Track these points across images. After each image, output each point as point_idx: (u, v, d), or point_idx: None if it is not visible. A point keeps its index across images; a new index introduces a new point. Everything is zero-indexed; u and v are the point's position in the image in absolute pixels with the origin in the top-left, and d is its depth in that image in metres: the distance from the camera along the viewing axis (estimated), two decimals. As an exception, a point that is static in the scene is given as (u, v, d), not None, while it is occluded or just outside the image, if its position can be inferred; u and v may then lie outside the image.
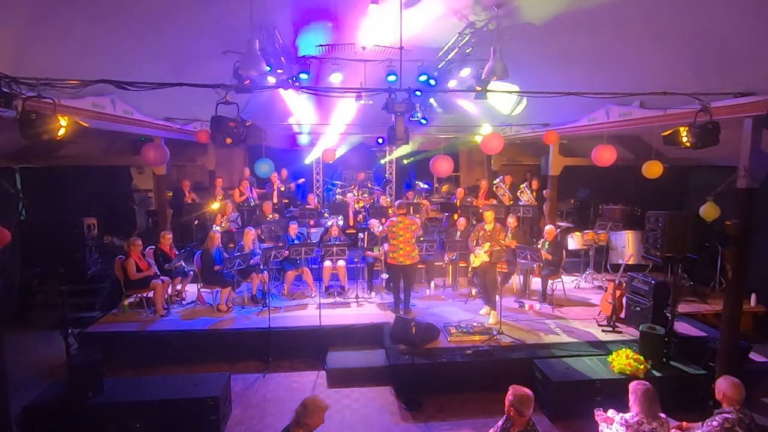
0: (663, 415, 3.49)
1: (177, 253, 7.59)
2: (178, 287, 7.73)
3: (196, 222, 10.09)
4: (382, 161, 13.77)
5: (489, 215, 7.08)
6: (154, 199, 10.53)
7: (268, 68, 6.21)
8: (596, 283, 8.87)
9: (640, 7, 4.75)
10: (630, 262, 7.53)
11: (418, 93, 7.40)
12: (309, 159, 12.94)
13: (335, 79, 7.79)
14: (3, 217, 6.95)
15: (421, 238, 7.51)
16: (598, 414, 3.72)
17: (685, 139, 4.81)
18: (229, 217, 9.53)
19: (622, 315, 6.90)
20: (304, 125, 11.44)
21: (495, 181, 11.30)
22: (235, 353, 6.49)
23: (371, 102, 8.95)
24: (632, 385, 3.59)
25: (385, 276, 8.45)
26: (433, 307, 7.63)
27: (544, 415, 5.34)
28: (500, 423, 3.35)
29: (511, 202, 10.72)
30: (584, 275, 9.12)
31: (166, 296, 7.30)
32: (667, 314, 5.96)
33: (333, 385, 5.99)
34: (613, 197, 10.71)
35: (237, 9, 5.54)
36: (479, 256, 7.00)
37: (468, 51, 6.54)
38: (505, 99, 9.26)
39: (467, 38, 6.19)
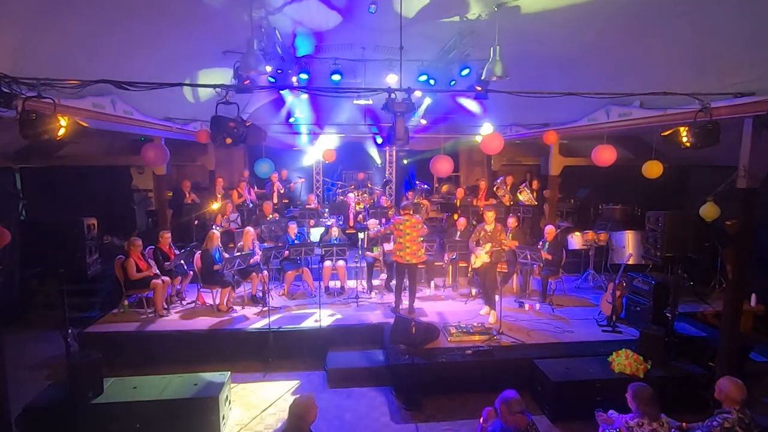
0: (663, 416, 3.49)
1: (176, 252, 7.59)
2: (179, 287, 7.73)
3: (196, 222, 10.09)
4: (379, 162, 13.78)
5: (490, 216, 7.07)
6: (154, 199, 10.53)
7: (268, 68, 6.21)
8: (596, 283, 8.88)
9: (640, 7, 4.76)
10: (630, 262, 7.52)
11: (417, 93, 7.40)
12: (308, 159, 12.94)
13: (335, 79, 7.79)
14: (3, 217, 6.98)
15: (421, 238, 7.49)
16: (599, 415, 3.72)
17: (685, 139, 4.81)
18: (229, 217, 9.54)
19: (622, 315, 6.91)
20: (303, 126, 11.46)
21: (496, 182, 11.29)
22: (235, 353, 6.48)
23: (371, 102, 8.96)
24: (631, 387, 3.59)
25: (384, 276, 8.45)
26: (433, 307, 7.63)
27: (544, 415, 5.34)
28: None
29: (511, 203, 10.71)
30: (584, 275, 9.12)
31: (166, 296, 7.30)
32: (667, 314, 5.96)
33: (333, 386, 5.99)
34: (613, 197, 10.70)
35: (237, 9, 5.55)
36: (480, 257, 7.00)
37: (467, 53, 6.55)
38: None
39: (467, 38, 6.19)
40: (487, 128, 9.44)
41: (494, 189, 11.17)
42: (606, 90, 5.39)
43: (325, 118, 11.55)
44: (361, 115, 11.63)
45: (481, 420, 3.41)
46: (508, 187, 11.17)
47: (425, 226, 7.21)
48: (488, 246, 6.92)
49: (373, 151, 13.38)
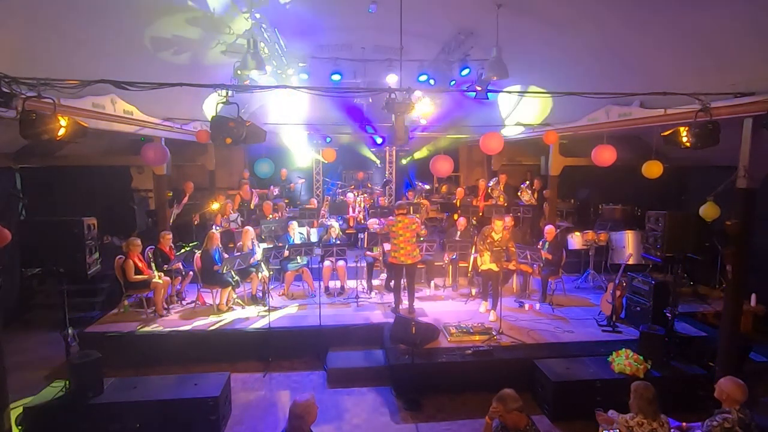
0: (663, 416, 3.49)
1: (176, 253, 7.58)
2: (179, 287, 7.73)
3: (196, 222, 10.09)
4: (378, 163, 13.76)
5: (499, 225, 6.98)
6: (154, 199, 10.52)
7: (268, 68, 6.20)
8: (596, 283, 8.88)
9: (641, 7, 4.75)
10: (630, 262, 7.53)
11: (418, 92, 7.39)
12: (306, 159, 12.92)
13: (335, 79, 7.79)
14: (3, 217, 6.97)
15: (422, 238, 7.50)
16: (599, 415, 3.72)
17: (685, 139, 4.81)
18: (229, 217, 9.54)
19: (622, 315, 6.91)
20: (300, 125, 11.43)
21: (490, 183, 11.27)
22: (235, 353, 6.48)
23: (370, 101, 8.95)
24: (633, 386, 3.59)
25: (384, 276, 8.45)
26: (433, 307, 7.63)
27: (544, 415, 5.34)
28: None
29: (505, 204, 10.66)
30: (584, 275, 9.12)
31: (166, 296, 7.30)
32: (667, 314, 5.96)
33: (333, 385, 5.99)
34: (613, 197, 10.70)
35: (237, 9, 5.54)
36: (486, 262, 7.02)
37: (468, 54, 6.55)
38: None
39: (467, 38, 6.19)
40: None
41: (488, 190, 11.13)
42: (606, 90, 5.39)
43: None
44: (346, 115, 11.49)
45: (487, 418, 3.41)
46: (502, 187, 11.11)
47: (423, 227, 7.19)
48: (488, 257, 6.93)
49: (368, 152, 13.37)
